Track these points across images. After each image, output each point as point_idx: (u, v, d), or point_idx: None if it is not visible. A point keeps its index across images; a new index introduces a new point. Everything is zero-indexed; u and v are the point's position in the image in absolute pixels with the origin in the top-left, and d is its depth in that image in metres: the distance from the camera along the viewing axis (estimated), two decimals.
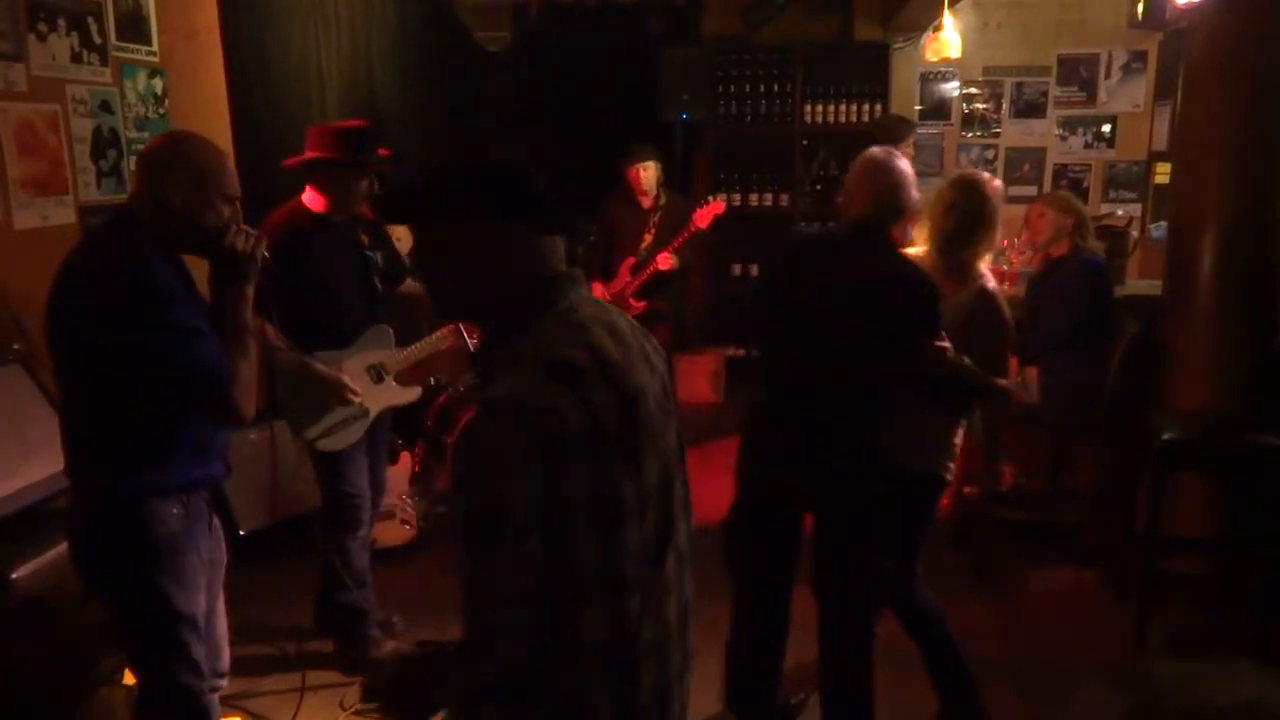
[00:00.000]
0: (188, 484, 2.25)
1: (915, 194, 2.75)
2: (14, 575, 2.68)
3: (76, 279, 2.14)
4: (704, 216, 5.00)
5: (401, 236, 4.86)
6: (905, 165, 2.74)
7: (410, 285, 3.70)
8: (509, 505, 1.32)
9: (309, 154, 3.26)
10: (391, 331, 3.56)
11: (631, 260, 5.13)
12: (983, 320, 2.85)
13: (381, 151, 3.34)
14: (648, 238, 5.18)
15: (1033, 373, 4.30)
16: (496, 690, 1.44)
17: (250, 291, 2.23)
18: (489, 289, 1.49)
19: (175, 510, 2.22)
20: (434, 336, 3.73)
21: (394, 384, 3.53)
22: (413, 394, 3.66)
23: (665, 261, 5.01)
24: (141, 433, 2.17)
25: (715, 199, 5.15)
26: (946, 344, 2.65)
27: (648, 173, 5.12)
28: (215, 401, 2.15)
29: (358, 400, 3.35)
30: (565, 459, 1.34)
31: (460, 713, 1.57)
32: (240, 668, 3.36)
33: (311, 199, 3.30)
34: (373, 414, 3.43)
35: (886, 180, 2.71)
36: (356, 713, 3.23)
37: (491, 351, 1.50)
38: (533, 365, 1.38)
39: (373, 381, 3.43)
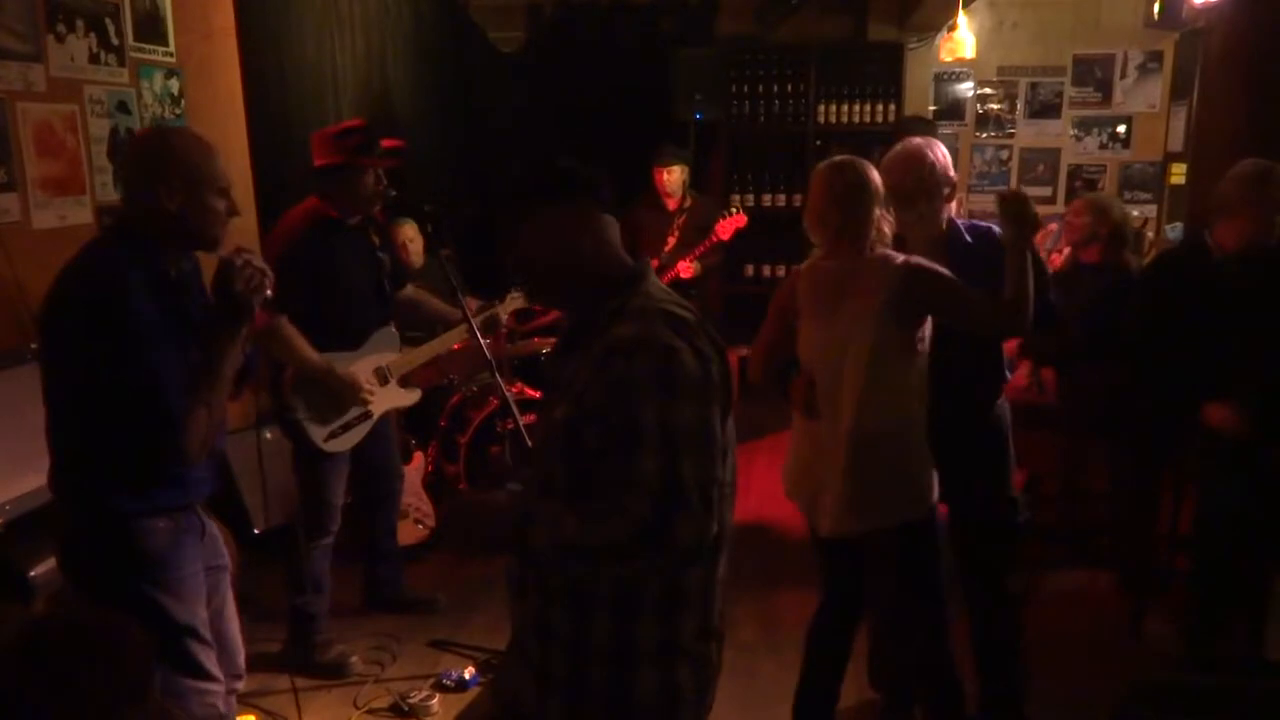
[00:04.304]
0: (174, 506, 2.22)
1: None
2: (32, 574, 2.71)
3: (60, 303, 2.11)
4: (725, 229, 4.99)
5: (413, 237, 4.88)
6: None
7: (409, 290, 3.72)
8: (638, 422, 1.52)
9: (315, 163, 3.29)
10: (397, 334, 3.59)
11: (654, 263, 5.12)
12: None
13: (386, 143, 3.34)
14: (671, 240, 5.17)
15: (1048, 374, 4.28)
16: (608, 554, 1.58)
17: (243, 333, 2.16)
18: (578, 265, 1.69)
19: (163, 524, 2.19)
20: (438, 340, 3.74)
21: (397, 386, 3.56)
22: (413, 396, 3.68)
23: (687, 271, 5.01)
24: (122, 456, 2.13)
25: (738, 210, 5.12)
26: None
27: (672, 176, 5.11)
28: (161, 445, 2.10)
29: (372, 400, 3.37)
30: (681, 392, 1.54)
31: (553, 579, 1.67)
32: (253, 665, 3.39)
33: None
34: (376, 416, 3.46)
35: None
36: (370, 711, 3.25)
37: (588, 319, 1.68)
38: (652, 316, 1.60)
39: (379, 383, 3.46)
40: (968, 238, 2.81)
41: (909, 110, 6.82)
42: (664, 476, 1.51)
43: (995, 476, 2.92)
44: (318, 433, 3.32)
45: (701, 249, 5.05)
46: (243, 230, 4.03)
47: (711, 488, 1.57)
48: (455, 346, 4.65)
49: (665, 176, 5.10)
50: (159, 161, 2.13)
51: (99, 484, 2.15)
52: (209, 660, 2.29)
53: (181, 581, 2.23)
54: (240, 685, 2.53)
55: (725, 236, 5.02)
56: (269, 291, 2.14)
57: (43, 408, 2.17)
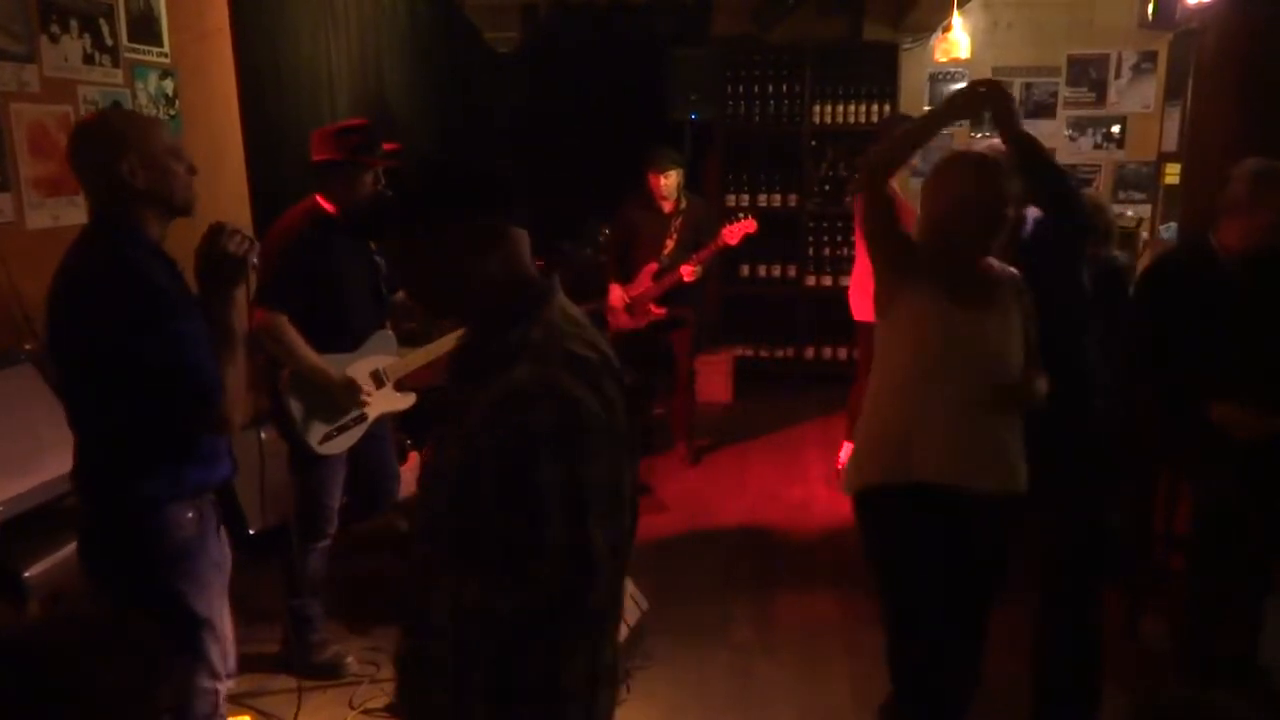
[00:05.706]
0: (202, 486, 2.24)
1: None
2: (27, 574, 2.69)
3: (75, 285, 2.12)
4: (734, 234, 5.00)
5: None
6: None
7: (403, 294, 3.70)
8: (538, 483, 1.36)
9: (314, 158, 3.27)
10: (394, 337, 3.57)
11: (654, 266, 5.12)
12: None
13: (387, 146, 3.32)
14: (669, 243, 5.17)
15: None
16: (514, 622, 1.40)
17: (238, 295, 2.18)
18: (479, 286, 1.50)
19: (190, 514, 2.21)
20: (435, 344, 3.71)
21: (393, 389, 3.54)
22: (409, 400, 3.65)
23: (690, 274, 5.02)
24: (153, 437, 2.15)
25: (747, 216, 5.10)
26: None
27: (669, 180, 5.11)
28: (205, 410, 2.12)
29: (369, 403, 3.37)
30: (586, 449, 1.39)
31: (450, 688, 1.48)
32: (249, 666, 3.39)
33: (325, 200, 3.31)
34: (370, 419, 3.45)
35: None
36: (365, 712, 3.25)
37: (485, 346, 1.50)
38: (552, 357, 1.42)
39: (375, 386, 3.45)
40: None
41: (904, 110, 6.82)
42: (571, 545, 1.37)
43: (1091, 497, 2.82)
44: (313, 435, 3.31)
45: (707, 253, 5.06)
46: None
47: (622, 543, 1.47)
48: (445, 351, 4.66)
49: (662, 181, 5.10)
50: (111, 144, 2.13)
51: (130, 470, 2.15)
52: (218, 657, 2.30)
53: (204, 574, 2.25)
54: (232, 684, 2.52)
55: (734, 241, 5.04)
56: (255, 259, 2.18)
57: (36, 409, 2.17)
